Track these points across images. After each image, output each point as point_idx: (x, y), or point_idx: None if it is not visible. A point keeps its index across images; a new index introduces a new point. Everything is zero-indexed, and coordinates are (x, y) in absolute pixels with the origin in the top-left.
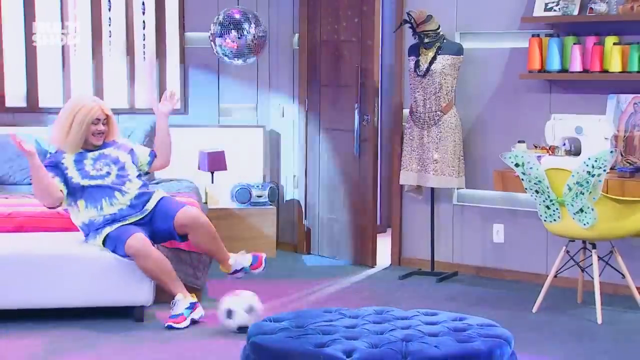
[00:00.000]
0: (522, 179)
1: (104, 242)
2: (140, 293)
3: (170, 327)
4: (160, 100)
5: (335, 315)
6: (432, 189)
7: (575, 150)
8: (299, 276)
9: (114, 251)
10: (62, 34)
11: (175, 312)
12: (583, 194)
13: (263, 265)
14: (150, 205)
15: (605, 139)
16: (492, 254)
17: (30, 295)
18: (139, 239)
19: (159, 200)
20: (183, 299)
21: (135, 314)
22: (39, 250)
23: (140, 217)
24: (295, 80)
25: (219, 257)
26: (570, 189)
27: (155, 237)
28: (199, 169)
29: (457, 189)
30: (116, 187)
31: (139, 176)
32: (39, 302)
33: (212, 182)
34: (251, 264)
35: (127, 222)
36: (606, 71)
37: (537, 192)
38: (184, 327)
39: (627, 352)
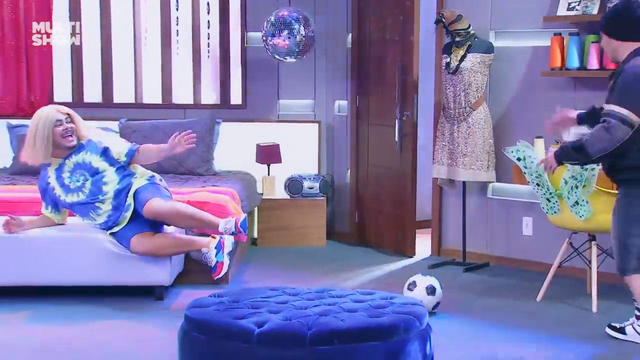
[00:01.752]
0: (524, 173)
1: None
2: (159, 273)
3: (219, 279)
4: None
5: (276, 293)
6: (464, 183)
7: None
8: (339, 264)
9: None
10: (134, 33)
11: (211, 263)
12: (577, 187)
13: (238, 227)
14: (130, 200)
15: None
16: (521, 245)
17: (54, 274)
18: (139, 244)
19: (135, 194)
20: (208, 250)
21: (156, 293)
22: (63, 232)
23: (129, 214)
24: (348, 78)
25: (208, 230)
26: (566, 183)
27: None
28: (256, 161)
29: (488, 182)
30: (94, 199)
31: (118, 169)
32: (61, 280)
33: (268, 174)
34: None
35: (122, 224)
36: None
37: (538, 185)
38: (228, 270)
39: (599, 338)
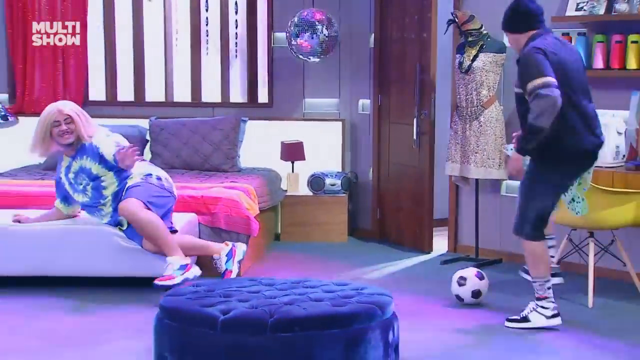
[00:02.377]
0: (524, 170)
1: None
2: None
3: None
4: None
5: (252, 283)
6: (477, 181)
7: None
8: (356, 260)
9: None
10: (165, 34)
11: (220, 270)
12: (573, 184)
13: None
14: None
15: (619, 133)
16: None
17: (64, 265)
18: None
19: (125, 192)
20: (219, 257)
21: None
22: (73, 225)
23: None
24: (371, 77)
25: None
26: None
27: None
28: (280, 158)
29: (500, 180)
30: (97, 202)
31: (116, 172)
32: (70, 270)
33: (292, 171)
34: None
35: (126, 225)
36: (625, 68)
37: None
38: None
39: (591, 333)
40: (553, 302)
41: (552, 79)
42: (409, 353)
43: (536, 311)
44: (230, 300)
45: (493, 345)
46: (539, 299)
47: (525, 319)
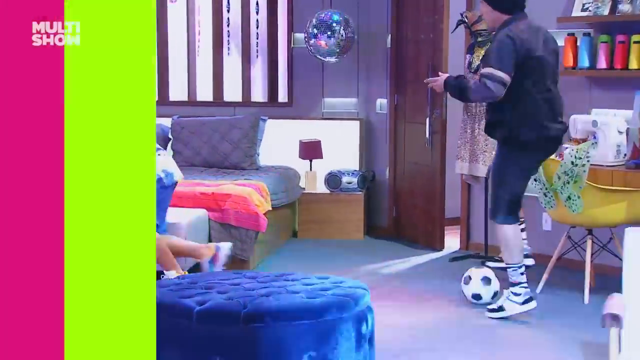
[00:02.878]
0: None
1: None
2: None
3: None
4: None
5: (236, 276)
6: (486, 178)
7: None
8: (369, 257)
9: None
10: (188, 35)
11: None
12: (569, 182)
13: None
14: None
15: (620, 132)
16: (540, 240)
17: None
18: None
19: None
20: (202, 262)
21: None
22: None
23: None
24: (388, 77)
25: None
26: (559, 178)
27: None
28: (299, 157)
29: None
30: None
31: None
32: None
33: (310, 169)
34: None
35: None
36: (627, 68)
37: (535, 180)
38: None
39: (582, 328)
40: (526, 287)
41: (505, 76)
42: (393, 345)
43: (509, 299)
44: (210, 292)
45: (484, 338)
46: (512, 284)
47: (501, 309)
